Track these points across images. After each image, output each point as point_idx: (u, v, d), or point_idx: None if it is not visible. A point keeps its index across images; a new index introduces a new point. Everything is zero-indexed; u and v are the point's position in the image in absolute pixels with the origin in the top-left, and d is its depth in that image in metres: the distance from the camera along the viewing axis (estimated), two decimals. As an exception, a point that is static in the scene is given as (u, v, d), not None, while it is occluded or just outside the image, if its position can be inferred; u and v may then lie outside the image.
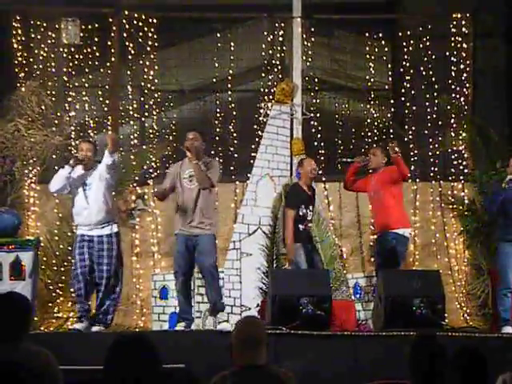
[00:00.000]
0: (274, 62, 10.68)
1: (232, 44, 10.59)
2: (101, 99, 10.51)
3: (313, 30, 10.52)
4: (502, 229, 8.11)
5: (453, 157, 10.44)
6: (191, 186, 7.82)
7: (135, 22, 10.40)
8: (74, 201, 7.82)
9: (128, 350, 3.03)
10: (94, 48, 10.40)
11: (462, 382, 4.00)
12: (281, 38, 10.65)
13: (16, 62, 10.22)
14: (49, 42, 10.33)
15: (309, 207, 8.26)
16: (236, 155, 10.31)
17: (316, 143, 10.43)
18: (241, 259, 9.32)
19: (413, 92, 10.71)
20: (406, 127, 10.71)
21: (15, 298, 4.11)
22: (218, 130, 10.48)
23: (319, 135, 10.48)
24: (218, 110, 10.60)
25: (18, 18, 10.31)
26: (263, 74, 10.69)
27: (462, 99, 10.54)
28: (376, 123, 10.74)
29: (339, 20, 10.69)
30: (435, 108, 10.56)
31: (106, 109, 10.51)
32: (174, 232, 8.02)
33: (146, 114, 10.61)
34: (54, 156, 9.84)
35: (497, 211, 8.12)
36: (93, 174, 7.72)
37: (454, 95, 10.53)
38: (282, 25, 10.57)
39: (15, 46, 10.26)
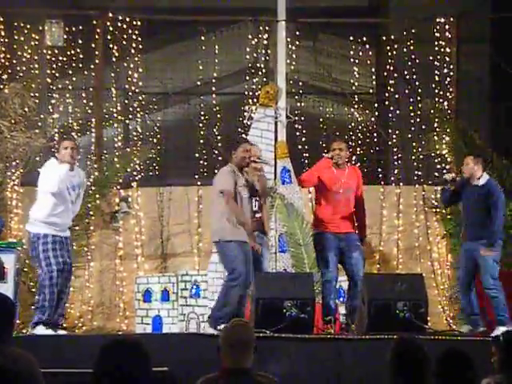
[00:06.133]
0: (258, 65, 10.69)
1: (216, 47, 10.60)
2: (84, 101, 10.49)
3: (297, 33, 10.54)
4: None
5: (436, 161, 10.48)
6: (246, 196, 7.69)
7: (119, 24, 10.39)
8: (53, 201, 7.55)
9: (120, 354, 2.98)
10: (78, 50, 10.38)
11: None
12: (265, 42, 10.66)
13: (-1, 63, 10.18)
14: (32, 43, 10.29)
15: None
16: (220, 158, 10.31)
17: (300, 146, 10.45)
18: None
19: (396, 96, 10.75)
20: (390, 131, 10.76)
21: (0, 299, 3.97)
22: (202, 132, 10.49)
23: (303, 138, 10.50)
24: (203, 113, 10.60)
25: (1, 19, 10.27)
26: (248, 78, 10.70)
27: (446, 103, 10.59)
28: (360, 127, 10.77)
29: (324, 24, 10.73)
30: (419, 112, 10.61)
31: (89, 111, 10.49)
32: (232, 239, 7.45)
33: (130, 116, 10.59)
34: (37, 158, 9.80)
35: (447, 203, 8.45)
36: (76, 178, 7.59)
37: (437, 99, 10.58)
38: (267, 28, 10.59)
39: (-2, 47, 10.23)
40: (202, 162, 10.38)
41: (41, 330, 7.36)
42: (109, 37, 10.39)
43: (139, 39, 10.43)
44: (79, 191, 7.61)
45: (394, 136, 10.69)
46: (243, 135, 10.11)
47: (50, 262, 7.35)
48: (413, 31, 10.61)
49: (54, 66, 10.38)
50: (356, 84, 10.81)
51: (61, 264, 7.40)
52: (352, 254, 7.84)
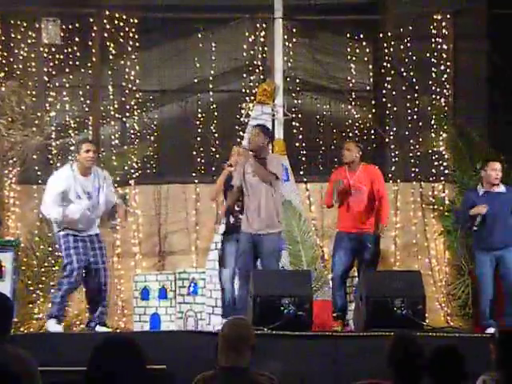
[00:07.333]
0: (255, 62, 10.68)
1: (214, 44, 10.58)
2: (82, 99, 10.47)
3: (294, 30, 10.53)
4: (476, 237, 8.17)
5: (433, 157, 10.48)
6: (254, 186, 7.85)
7: (116, 22, 10.38)
8: (67, 206, 7.56)
9: (113, 352, 2.97)
10: (75, 48, 10.36)
11: (440, 381, 4.03)
12: (262, 39, 10.65)
13: (-4, 61, 10.17)
14: (29, 41, 10.28)
15: None
16: (217, 156, 10.30)
17: (297, 144, 10.45)
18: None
19: (394, 93, 10.74)
20: (387, 128, 10.75)
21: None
22: (199, 130, 10.47)
23: (300, 136, 10.49)
24: (200, 111, 10.58)
25: (-2, 17, 10.26)
26: (245, 75, 10.69)
27: (443, 100, 10.58)
28: (357, 124, 10.76)
29: (321, 21, 10.71)
30: (416, 109, 10.60)
31: (86, 109, 10.47)
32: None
33: (127, 114, 10.58)
34: (34, 156, 9.80)
35: (464, 222, 8.28)
36: (91, 183, 7.62)
37: (434, 96, 10.57)
38: (264, 25, 10.57)
39: (-5, 45, 10.21)
40: (199, 159, 10.38)
41: (52, 325, 7.40)
42: (106, 35, 10.38)
43: (136, 37, 10.42)
44: (98, 194, 7.63)
45: (391, 133, 10.68)
46: (240, 132, 10.12)
47: (71, 260, 7.44)
48: (409, 28, 10.60)
49: (51, 63, 10.36)
50: (353, 81, 10.80)
51: (83, 262, 7.43)
52: (363, 255, 8.07)
